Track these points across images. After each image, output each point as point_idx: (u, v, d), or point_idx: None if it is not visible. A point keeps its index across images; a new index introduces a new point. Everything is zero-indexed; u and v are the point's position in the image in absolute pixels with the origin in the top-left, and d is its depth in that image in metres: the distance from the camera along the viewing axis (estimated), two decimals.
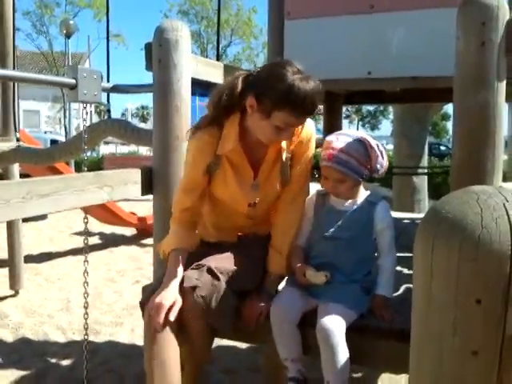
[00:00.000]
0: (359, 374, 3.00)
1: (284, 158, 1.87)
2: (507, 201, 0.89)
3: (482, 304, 0.86)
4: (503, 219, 0.87)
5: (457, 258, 0.87)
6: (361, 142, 1.75)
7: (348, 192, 1.81)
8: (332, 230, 1.81)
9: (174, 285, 1.74)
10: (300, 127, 1.83)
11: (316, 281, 1.77)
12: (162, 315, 1.68)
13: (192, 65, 2.19)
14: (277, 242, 1.93)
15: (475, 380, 0.89)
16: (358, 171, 1.76)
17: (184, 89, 2.13)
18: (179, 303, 1.71)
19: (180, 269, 1.78)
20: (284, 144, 1.85)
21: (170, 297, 1.71)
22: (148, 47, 2.17)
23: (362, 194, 1.85)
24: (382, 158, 1.77)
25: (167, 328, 1.70)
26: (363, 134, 1.80)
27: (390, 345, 1.74)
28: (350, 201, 1.84)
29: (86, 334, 2.30)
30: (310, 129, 1.90)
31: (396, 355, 1.73)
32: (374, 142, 1.77)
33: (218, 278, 1.74)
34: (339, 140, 1.77)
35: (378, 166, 1.77)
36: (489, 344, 0.88)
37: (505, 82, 1.58)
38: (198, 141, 1.83)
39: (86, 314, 2.28)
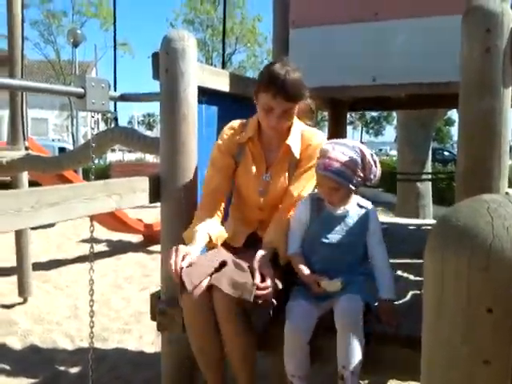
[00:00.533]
0: (366, 382, 3.00)
1: (297, 155, 2.04)
2: None
3: (493, 313, 0.86)
4: None
5: (467, 267, 0.87)
6: (356, 153, 1.82)
7: (341, 200, 1.87)
8: (332, 235, 1.87)
9: (192, 247, 1.90)
10: (313, 136, 2.06)
11: (332, 289, 1.80)
12: (179, 255, 1.82)
13: (198, 73, 2.21)
14: (269, 233, 2.01)
15: None
16: (352, 180, 1.82)
17: (191, 97, 2.14)
18: (192, 256, 1.86)
19: (200, 241, 1.95)
20: (294, 147, 2.04)
21: (185, 248, 1.87)
22: (155, 56, 2.19)
23: (354, 198, 1.92)
24: (376, 167, 1.85)
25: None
26: (359, 143, 1.87)
27: (397, 351, 1.75)
28: (344, 206, 1.90)
29: (92, 342, 2.31)
30: (320, 137, 2.09)
31: (403, 361, 1.74)
32: (368, 152, 1.84)
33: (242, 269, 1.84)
34: (335, 149, 1.82)
35: (372, 176, 1.85)
36: (500, 353, 0.88)
37: (510, 88, 1.58)
38: (226, 128, 2.15)
39: (92, 322, 2.29)
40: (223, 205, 2.13)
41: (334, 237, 1.87)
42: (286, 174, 2.06)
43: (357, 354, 1.69)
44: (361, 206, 1.91)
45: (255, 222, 2.14)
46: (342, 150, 1.82)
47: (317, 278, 1.82)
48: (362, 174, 1.84)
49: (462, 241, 0.86)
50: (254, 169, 2.08)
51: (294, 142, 2.04)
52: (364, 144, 1.91)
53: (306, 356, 1.80)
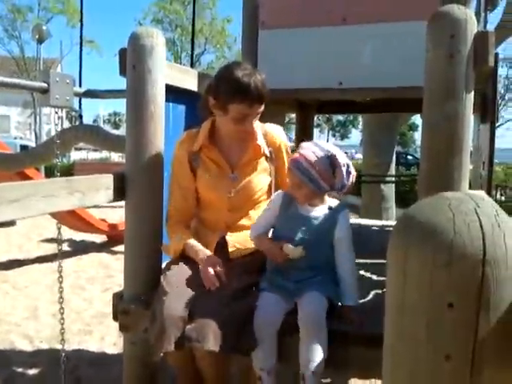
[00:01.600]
0: (328, 380, 3.02)
1: (268, 153, 2.10)
2: (478, 206, 0.91)
3: (454, 308, 0.88)
4: (475, 224, 0.89)
5: (430, 263, 0.88)
6: (329, 158, 1.79)
7: (305, 198, 1.87)
8: (294, 233, 1.87)
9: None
10: (273, 131, 2.12)
11: (295, 255, 1.82)
12: (216, 268, 1.90)
13: (166, 71, 2.19)
14: None
15: None
16: (317, 183, 1.81)
17: (158, 95, 2.12)
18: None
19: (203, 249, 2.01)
20: (261, 142, 2.07)
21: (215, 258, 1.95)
22: (122, 53, 2.16)
23: (327, 201, 1.92)
24: (347, 179, 1.82)
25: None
26: (337, 151, 1.83)
27: (359, 350, 1.76)
28: (314, 207, 1.90)
29: (63, 339, 2.26)
30: (277, 128, 2.18)
31: (365, 360, 1.76)
32: (343, 162, 1.80)
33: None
34: (309, 148, 1.83)
35: (340, 186, 1.82)
36: (461, 348, 0.89)
37: (472, 93, 1.62)
38: (179, 140, 2.15)
39: (62, 319, 2.24)
40: (191, 218, 2.20)
41: (299, 235, 1.87)
42: (256, 172, 2.08)
43: (319, 354, 1.71)
44: (331, 210, 1.90)
45: (222, 225, 2.11)
46: (314, 150, 1.81)
47: (279, 243, 1.85)
48: (330, 181, 1.81)
49: (424, 237, 0.88)
50: (217, 171, 2.07)
51: (262, 142, 2.07)
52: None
53: (273, 349, 1.80)
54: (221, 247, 2.07)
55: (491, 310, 0.87)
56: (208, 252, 2.00)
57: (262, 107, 1.97)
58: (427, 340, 0.89)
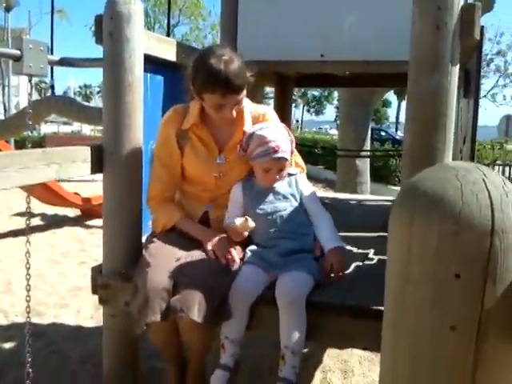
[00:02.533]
0: (305, 350, 3.06)
1: None
2: (486, 176, 0.90)
3: (460, 278, 0.87)
4: (483, 194, 0.88)
5: (437, 233, 0.87)
6: (283, 129, 1.94)
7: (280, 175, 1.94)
8: (265, 206, 1.93)
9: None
10: (263, 114, 2.08)
11: (243, 227, 1.86)
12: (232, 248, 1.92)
13: (144, 40, 2.12)
14: None
15: (453, 355, 0.90)
16: (290, 153, 1.94)
17: (137, 64, 2.05)
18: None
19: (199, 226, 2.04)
20: (248, 127, 2.01)
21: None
22: (98, 20, 2.07)
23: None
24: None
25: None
26: (278, 123, 2.04)
27: (341, 320, 1.78)
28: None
29: (29, 317, 2.21)
30: (267, 108, 2.17)
31: (345, 331, 1.79)
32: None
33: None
34: (272, 132, 1.90)
35: (294, 147, 1.99)
36: (467, 318, 0.89)
37: (458, 66, 1.61)
38: (165, 116, 2.10)
39: (29, 296, 2.19)
40: (175, 192, 2.17)
41: (268, 206, 1.93)
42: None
43: (299, 334, 1.73)
44: (289, 175, 1.98)
45: (206, 199, 2.11)
46: (276, 131, 1.91)
47: (230, 222, 1.91)
48: (290, 147, 1.95)
49: (431, 207, 0.87)
50: (204, 152, 2.05)
51: (249, 127, 2.03)
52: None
53: (244, 319, 1.82)
54: (203, 223, 2.08)
55: (498, 281, 0.87)
56: (204, 231, 2.01)
57: (241, 95, 1.91)
58: (432, 311, 0.89)
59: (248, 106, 2.06)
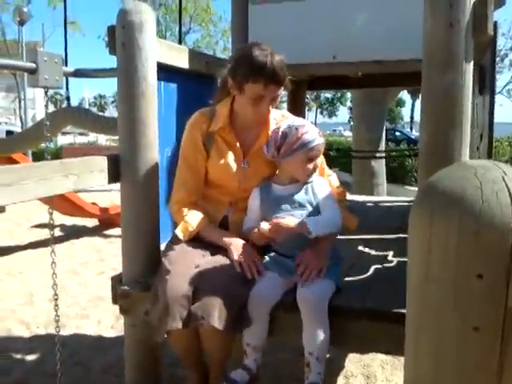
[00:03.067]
0: (327, 355, 3.04)
1: None
2: (505, 174, 0.89)
3: (483, 278, 0.86)
4: (503, 192, 0.87)
5: (457, 232, 0.86)
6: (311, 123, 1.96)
7: (314, 169, 1.93)
8: (281, 214, 1.89)
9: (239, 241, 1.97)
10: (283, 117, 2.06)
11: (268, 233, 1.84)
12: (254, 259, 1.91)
13: (157, 48, 2.14)
14: None
15: (476, 356, 0.89)
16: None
17: (150, 73, 2.07)
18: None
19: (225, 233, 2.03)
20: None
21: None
22: (111, 30, 2.10)
23: None
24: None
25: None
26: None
27: (361, 325, 1.77)
28: (291, 184, 1.95)
29: (58, 327, 2.23)
30: (280, 111, 2.17)
31: (367, 334, 1.77)
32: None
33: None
34: (301, 122, 1.92)
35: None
36: (490, 319, 0.88)
37: (472, 62, 1.59)
38: (191, 119, 2.09)
39: (56, 305, 2.20)
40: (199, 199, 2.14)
41: (284, 214, 1.89)
42: (265, 161, 2.03)
43: (323, 340, 1.72)
44: (306, 182, 1.95)
45: (227, 203, 2.10)
46: (306, 122, 1.94)
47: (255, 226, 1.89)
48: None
49: (450, 206, 0.86)
50: (231, 157, 2.04)
51: None
52: (317, 125, 1.99)
53: (264, 326, 1.82)
54: (223, 226, 2.08)
55: None
56: (231, 239, 1.98)
57: (280, 91, 1.93)
58: (454, 312, 0.87)
59: (272, 112, 2.06)
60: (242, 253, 1.90)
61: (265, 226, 1.83)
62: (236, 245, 1.94)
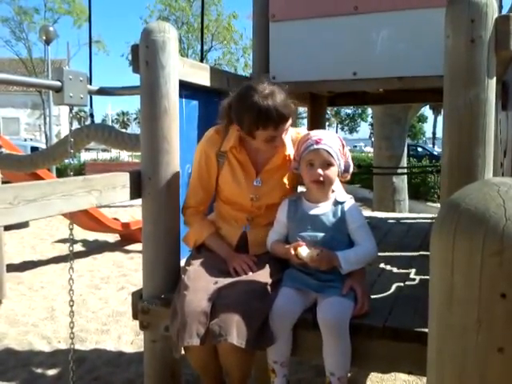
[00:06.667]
0: (348, 375, 3.00)
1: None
2: None
3: (506, 298, 0.84)
4: None
5: (480, 252, 0.85)
6: (337, 138, 1.89)
7: (331, 180, 1.86)
8: (306, 234, 1.86)
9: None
10: (298, 136, 2.02)
11: (307, 256, 1.78)
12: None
13: (179, 67, 2.17)
14: None
15: (501, 377, 0.87)
16: (340, 160, 1.86)
17: (172, 91, 2.10)
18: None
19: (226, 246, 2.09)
20: (290, 151, 2.03)
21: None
22: (134, 49, 2.13)
23: (331, 196, 1.92)
24: (350, 160, 1.93)
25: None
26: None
27: (383, 344, 1.74)
28: (320, 204, 1.89)
29: (73, 344, 2.24)
30: (296, 129, 2.15)
31: (388, 354, 1.74)
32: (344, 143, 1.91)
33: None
34: (319, 132, 1.89)
35: (350, 164, 1.92)
36: None
37: (495, 78, 1.58)
38: (206, 135, 2.13)
39: (72, 322, 2.22)
40: (208, 207, 2.23)
41: (308, 235, 1.86)
42: (279, 179, 2.06)
43: (344, 359, 1.70)
44: (337, 203, 1.89)
45: (244, 220, 2.11)
46: (326, 133, 1.90)
47: (293, 245, 1.83)
48: (343, 159, 1.89)
49: (473, 225, 0.84)
50: (242, 175, 2.06)
51: (291, 151, 2.04)
52: None
53: (288, 342, 1.82)
54: (242, 242, 2.08)
55: None
56: (229, 252, 2.06)
57: (289, 122, 1.94)
58: (478, 333, 0.85)
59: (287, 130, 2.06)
60: (237, 261, 1.98)
61: (304, 252, 1.78)
62: (233, 256, 2.01)
